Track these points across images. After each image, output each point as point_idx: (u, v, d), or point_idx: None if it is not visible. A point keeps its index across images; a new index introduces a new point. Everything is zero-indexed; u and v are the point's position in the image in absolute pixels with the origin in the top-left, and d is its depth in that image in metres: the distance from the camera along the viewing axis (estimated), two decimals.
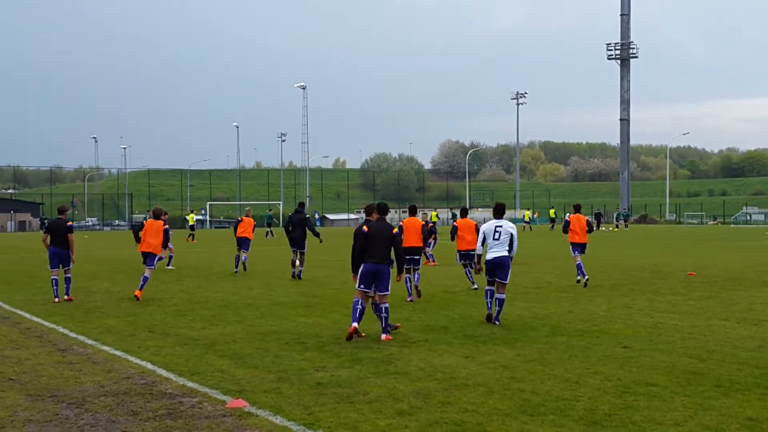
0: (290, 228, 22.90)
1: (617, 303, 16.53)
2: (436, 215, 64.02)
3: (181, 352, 11.40)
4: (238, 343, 11.99)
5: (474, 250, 17.55)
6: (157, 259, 18.84)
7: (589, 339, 12.10)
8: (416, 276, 17.80)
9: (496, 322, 13.64)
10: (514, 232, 13.92)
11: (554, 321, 14.00)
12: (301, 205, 23.87)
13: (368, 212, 13.12)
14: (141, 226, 20.57)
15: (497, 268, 13.73)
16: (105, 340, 12.53)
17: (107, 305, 17.04)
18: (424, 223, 18.48)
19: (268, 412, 7.96)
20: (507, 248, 13.79)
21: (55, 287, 17.81)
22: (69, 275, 18.05)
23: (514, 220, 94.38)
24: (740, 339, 12.02)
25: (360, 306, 12.25)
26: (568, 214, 21.08)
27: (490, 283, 13.97)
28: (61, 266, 17.81)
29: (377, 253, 12.38)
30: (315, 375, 9.70)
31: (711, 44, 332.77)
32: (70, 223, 17.94)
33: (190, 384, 9.32)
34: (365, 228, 12.51)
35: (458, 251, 19.70)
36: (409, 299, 17.24)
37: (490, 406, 8.12)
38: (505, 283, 13.84)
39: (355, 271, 12.61)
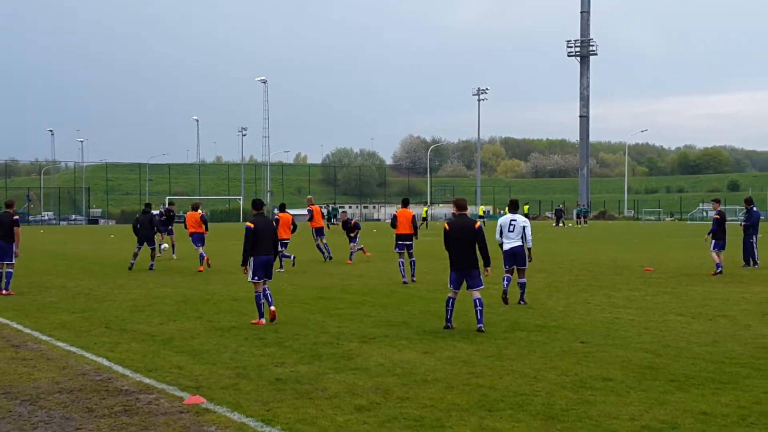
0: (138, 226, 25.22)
1: (576, 298, 16.68)
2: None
3: (137, 348, 11.27)
4: (196, 339, 11.89)
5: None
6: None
7: (548, 334, 12.19)
8: (412, 261, 20.52)
9: (522, 302, 15.72)
10: (527, 226, 15.68)
11: (513, 316, 14.08)
12: (148, 205, 26.65)
13: (254, 206, 14.07)
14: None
15: (515, 257, 15.61)
16: (60, 335, 12.35)
17: (63, 301, 16.80)
18: (413, 214, 20.94)
19: (225, 409, 7.90)
20: (521, 239, 15.55)
21: None
22: (11, 270, 17.90)
23: (474, 216, 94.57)
24: (695, 334, 12.19)
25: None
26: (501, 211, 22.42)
27: (509, 271, 15.75)
28: (4, 260, 17.72)
29: (264, 247, 13.38)
30: (274, 371, 9.65)
31: (667, 41, 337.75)
32: (16, 217, 17.83)
33: (146, 380, 9.22)
34: (250, 224, 13.34)
35: (396, 234, 20.91)
36: (404, 281, 19.86)
37: (449, 401, 8.14)
38: (524, 269, 15.81)
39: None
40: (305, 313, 14.60)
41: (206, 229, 25.47)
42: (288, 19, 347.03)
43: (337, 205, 78.94)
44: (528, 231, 15.58)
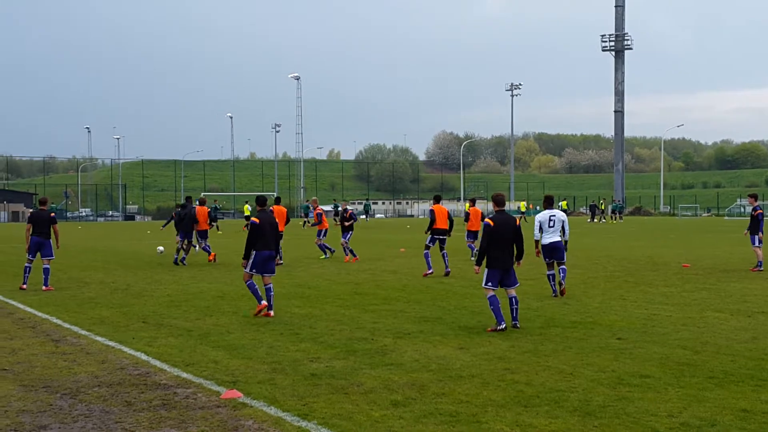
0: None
1: (612, 295, 16.55)
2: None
3: (174, 342, 11.38)
4: (232, 334, 11.98)
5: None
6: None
7: (584, 331, 12.11)
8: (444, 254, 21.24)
9: (562, 283, 16.24)
10: (565, 220, 16.36)
11: (548, 313, 14.01)
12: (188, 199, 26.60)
13: (258, 202, 14.51)
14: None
15: (555, 251, 16.15)
16: (99, 330, 12.51)
17: (101, 296, 17.00)
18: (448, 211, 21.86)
19: (262, 403, 7.96)
20: (560, 233, 16.15)
21: (26, 274, 18.27)
22: (48, 266, 18.20)
23: (509, 212, 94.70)
24: (734, 330, 12.05)
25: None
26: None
27: (550, 266, 16.34)
28: (39, 255, 18.10)
29: (266, 242, 13.83)
30: (309, 366, 9.69)
31: (700, 35, 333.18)
32: (52, 214, 18.48)
33: (184, 375, 9.31)
34: (255, 219, 13.86)
35: (434, 228, 21.46)
36: (430, 272, 20.60)
37: (485, 397, 8.13)
38: (564, 261, 16.38)
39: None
40: (340, 309, 14.65)
41: (210, 225, 26.42)
42: (321, 16, 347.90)
43: (369, 201, 79.01)
44: (566, 225, 16.36)
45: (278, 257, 23.20)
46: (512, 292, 12.40)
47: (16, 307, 15.34)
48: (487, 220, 12.40)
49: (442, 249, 21.16)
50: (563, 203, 79.00)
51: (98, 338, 11.83)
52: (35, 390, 8.65)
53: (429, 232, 21.12)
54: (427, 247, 21.02)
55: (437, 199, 22.14)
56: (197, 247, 26.70)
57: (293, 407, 7.78)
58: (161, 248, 28.99)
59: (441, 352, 10.53)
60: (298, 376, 9.12)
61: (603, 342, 11.13)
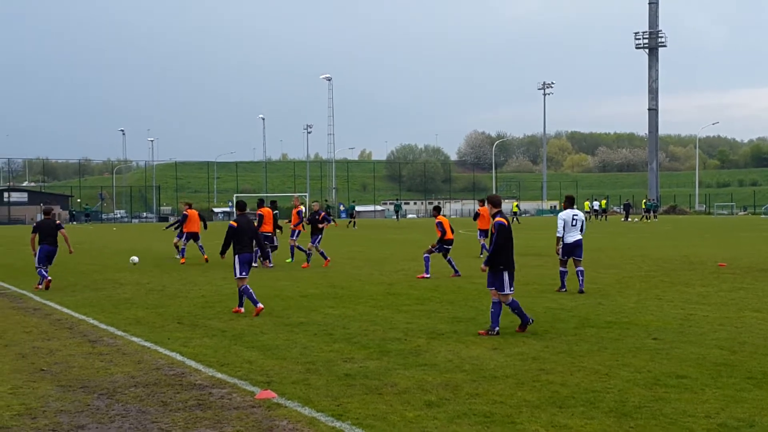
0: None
1: (647, 295, 16.40)
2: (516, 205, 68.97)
3: (209, 343, 11.46)
4: (266, 335, 12.03)
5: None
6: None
7: (619, 331, 12.01)
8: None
9: (582, 287, 16.76)
10: (584, 220, 17.15)
11: (583, 313, 13.91)
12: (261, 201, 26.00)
13: (237, 207, 15.16)
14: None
15: (575, 249, 16.87)
16: (134, 331, 12.63)
17: (136, 297, 17.17)
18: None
19: (296, 403, 7.98)
20: (580, 232, 16.95)
21: (45, 277, 18.57)
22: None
23: (541, 212, 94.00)
24: None
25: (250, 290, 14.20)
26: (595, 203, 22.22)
27: (564, 263, 17.01)
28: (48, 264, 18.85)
29: (245, 245, 14.34)
30: (343, 366, 9.71)
31: (735, 31, 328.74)
32: (58, 221, 19.41)
33: (219, 375, 9.37)
34: (233, 222, 14.49)
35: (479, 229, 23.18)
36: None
37: (519, 397, 8.09)
38: (581, 260, 16.98)
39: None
40: (373, 309, 14.66)
41: (205, 227, 27.08)
42: (351, 17, 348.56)
43: (400, 201, 78.68)
44: (584, 225, 17.16)
45: (267, 260, 23.40)
46: (510, 297, 11.98)
47: (54, 308, 15.54)
48: (501, 219, 11.93)
49: (446, 256, 21.09)
50: (603, 202, 78.40)
51: (134, 339, 11.95)
52: (73, 390, 8.75)
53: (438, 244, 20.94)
54: (430, 252, 20.79)
55: (439, 210, 22.12)
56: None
57: (327, 407, 7.80)
58: (135, 258, 25.74)
59: (474, 352, 10.50)
60: (332, 377, 9.14)
61: (639, 342, 11.03)
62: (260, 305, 14.01)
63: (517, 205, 78.01)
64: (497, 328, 11.74)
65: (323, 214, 24.64)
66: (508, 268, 11.84)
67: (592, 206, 78.72)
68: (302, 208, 26.86)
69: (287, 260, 25.85)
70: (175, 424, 7.40)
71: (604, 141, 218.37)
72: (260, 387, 8.68)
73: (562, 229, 16.82)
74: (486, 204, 26.61)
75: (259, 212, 24.05)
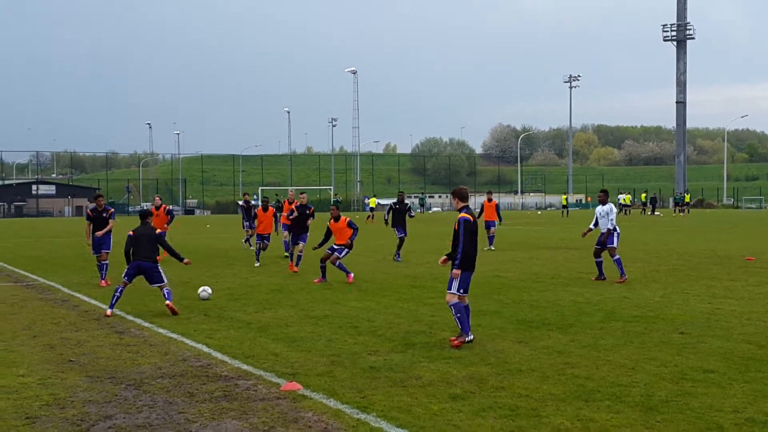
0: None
1: (674, 289, 16.28)
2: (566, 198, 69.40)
3: (235, 335, 11.52)
4: (291, 327, 12.08)
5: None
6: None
7: (645, 325, 11.93)
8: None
9: (623, 278, 17.49)
10: (615, 213, 18.00)
11: (609, 307, 13.83)
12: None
13: (140, 216, 14.57)
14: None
15: (608, 238, 17.69)
16: (161, 323, 12.73)
17: None
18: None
19: (321, 395, 8.01)
20: (611, 224, 17.82)
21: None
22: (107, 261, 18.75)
23: (568, 205, 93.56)
24: None
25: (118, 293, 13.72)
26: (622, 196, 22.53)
27: (599, 253, 17.91)
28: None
29: (142, 253, 13.71)
30: (368, 359, 9.73)
31: (763, 23, 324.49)
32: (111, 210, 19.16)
33: (244, 367, 9.42)
34: (131, 232, 13.99)
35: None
36: None
37: (545, 391, 8.06)
38: (615, 247, 17.86)
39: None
40: (398, 302, 14.67)
41: (168, 224, 24.05)
42: (376, 10, 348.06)
43: (425, 195, 77.51)
44: (611, 217, 17.88)
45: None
46: (466, 300, 10.75)
47: (81, 300, 15.69)
48: (466, 215, 10.64)
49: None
50: (642, 195, 77.88)
51: (161, 330, 12.04)
52: (101, 381, 8.84)
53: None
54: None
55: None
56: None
57: (352, 400, 7.82)
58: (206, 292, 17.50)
59: (500, 345, 10.48)
60: (357, 369, 9.16)
61: (665, 336, 10.95)
62: (109, 310, 13.54)
63: (566, 198, 77.53)
64: (468, 335, 10.52)
65: (312, 208, 21.87)
66: (465, 268, 10.55)
67: (618, 200, 78.19)
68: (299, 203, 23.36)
69: (284, 255, 24.22)
70: (201, 414, 7.46)
71: (630, 134, 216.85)
72: (285, 379, 8.72)
73: (594, 223, 18.10)
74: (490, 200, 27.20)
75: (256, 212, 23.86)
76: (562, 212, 72.12)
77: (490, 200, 28.00)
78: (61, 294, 16.76)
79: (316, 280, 18.12)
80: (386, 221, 25.00)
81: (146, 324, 12.64)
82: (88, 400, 8.03)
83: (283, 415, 7.39)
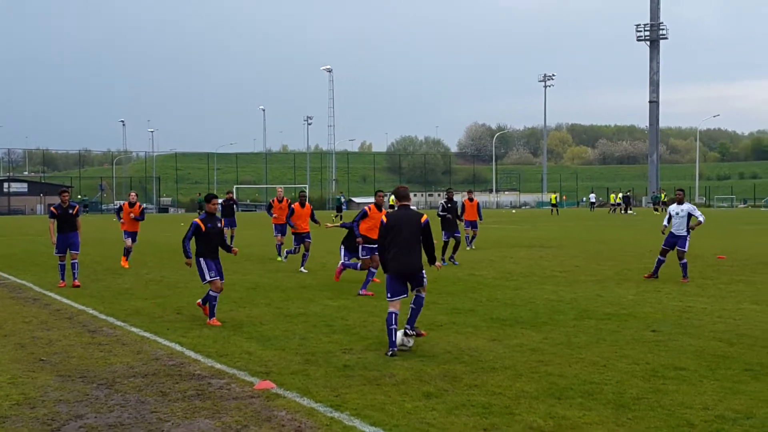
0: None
1: (646, 287, 16.41)
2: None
3: (208, 333, 11.47)
4: (265, 326, 12.04)
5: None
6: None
7: (618, 323, 12.02)
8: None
9: (685, 279, 17.43)
10: (692, 211, 17.94)
11: (582, 305, 13.93)
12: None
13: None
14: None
15: (679, 239, 17.79)
16: (134, 321, 12.64)
17: (136, 287, 17.18)
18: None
19: (295, 394, 7.99)
20: (686, 224, 17.90)
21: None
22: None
23: (542, 204, 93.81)
24: None
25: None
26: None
27: (665, 252, 17.98)
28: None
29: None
30: (342, 357, 9.72)
31: (735, 23, 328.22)
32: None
33: (218, 365, 9.38)
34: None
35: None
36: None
37: (518, 388, 8.10)
38: (685, 251, 17.82)
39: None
40: (372, 300, 14.67)
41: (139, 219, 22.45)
42: (352, 7, 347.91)
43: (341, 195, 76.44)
44: (696, 213, 18.04)
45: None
46: (421, 292, 10.35)
47: (53, 299, 15.55)
48: (382, 216, 10.42)
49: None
50: (662, 195, 78.11)
51: (133, 329, 11.96)
52: (72, 380, 8.77)
53: None
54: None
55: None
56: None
57: (326, 398, 7.81)
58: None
59: (473, 343, 10.51)
60: (331, 368, 9.16)
61: (637, 334, 11.04)
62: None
63: (555, 197, 77.47)
64: (394, 349, 9.88)
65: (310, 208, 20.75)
66: (387, 270, 10.16)
67: (590, 198, 78.76)
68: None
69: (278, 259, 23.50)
70: (174, 413, 7.42)
71: (604, 133, 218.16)
72: (259, 377, 8.69)
73: (667, 221, 18.35)
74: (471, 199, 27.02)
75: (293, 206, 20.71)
76: (552, 210, 72.30)
77: (471, 200, 27.21)
78: (32, 293, 16.60)
79: (362, 292, 15.68)
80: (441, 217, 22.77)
81: (119, 323, 12.55)
82: (59, 399, 7.96)
83: (257, 413, 7.37)
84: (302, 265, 20.41)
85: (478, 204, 26.67)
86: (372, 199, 16.80)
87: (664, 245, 18.07)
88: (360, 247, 16.22)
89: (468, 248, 26.71)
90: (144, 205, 23.87)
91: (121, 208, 22.70)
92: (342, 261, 17.11)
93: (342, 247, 17.22)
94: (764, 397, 7.67)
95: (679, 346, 10.21)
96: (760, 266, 20.43)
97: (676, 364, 9.11)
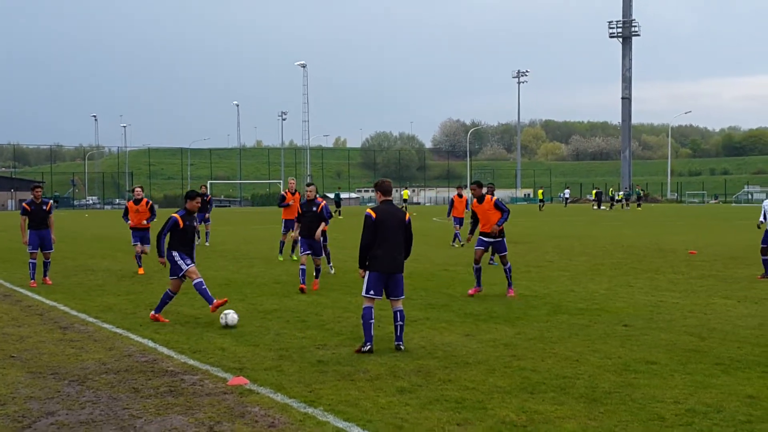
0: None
1: (618, 282, 16.53)
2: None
3: (181, 330, 11.41)
4: (238, 321, 11.99)
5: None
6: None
7: (590, 317, 12.11)
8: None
9: None
10: None
11: (555, 299, 14.01)
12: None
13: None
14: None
15: None
16: (106, 317, 12.55)
17: (108, 283, 17.05)
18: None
19: (269, 390, 7.98)
20: None
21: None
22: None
23: (515, 200, 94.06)
24: (741, 317, 12.03)
25: None
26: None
27: (765, 251, 16.99)
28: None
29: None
30: (316, 353, 9.71)
31: (707, 21, 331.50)
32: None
33: (191, 362, 9.34)
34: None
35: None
36: None
37: (491, 383, 8.13)
38: None
39: None
40: (346, 296, 14.67)
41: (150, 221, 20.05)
42: (326, 3, 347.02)
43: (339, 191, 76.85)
44: None
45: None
46: (398, 304, 9.95)
47: (24, 295, 15.39)
48: (368, 210, 10.01)
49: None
50: (539, 192, 78.46)
51: (106, 325, 11.87)
52: (43, 377, 8.69)
53: None
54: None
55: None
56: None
57: (299, 394, 7.80)
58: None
59: (447, 338, 10.54)
60: (305, 363, 9.14)
61: (609, 329, 11.13)
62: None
63: (542, 193, 77.42)
64: (369, 345, 9.74)
65: (323, 203, 16.38)
66: (370, 268, 9.90)
67: (564, 195, 79.26)
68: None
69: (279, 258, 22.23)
70: (146, 410, 7.37)
71: (577, 129, 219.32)
72: (232, 373, 8.66)
73: (763, 217, 17.53)
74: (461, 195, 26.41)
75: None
76: (539, 206, 72.47)
77: (460, 195, 26.46)
78: (2, 289, 16.43)
79: (470, 291, 14.70)
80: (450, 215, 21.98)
81: (91, 319, 12.45)
82: (30, 396, 7.89)
83: (230, 410, 7.34)
84: (329, 264, 18.67)
85: (467, 200, 26.08)
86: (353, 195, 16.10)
87: (762, 243, 17.05)
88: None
89: (460, 245, 25.87)
90: (150, 201, 20.17)
91: (127, 210, 19.89)
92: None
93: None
94: (734, 390, 7.76)
95: (650, 340, 10.30)
96: (731, 261, 20.66)
97: (648, 359, 9.19)
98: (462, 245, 25.61)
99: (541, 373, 8.53)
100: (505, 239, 14.75)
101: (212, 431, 6.76)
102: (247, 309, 13.23)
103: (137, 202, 19.74)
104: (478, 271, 14.65)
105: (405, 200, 72.54)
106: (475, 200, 14.76)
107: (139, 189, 20.38)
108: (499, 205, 14.55)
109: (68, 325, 12.00)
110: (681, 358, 9.24)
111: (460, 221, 26.45)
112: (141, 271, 19.18)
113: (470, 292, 14.63)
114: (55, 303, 14.20)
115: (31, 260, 16.91)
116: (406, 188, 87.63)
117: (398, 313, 9.91)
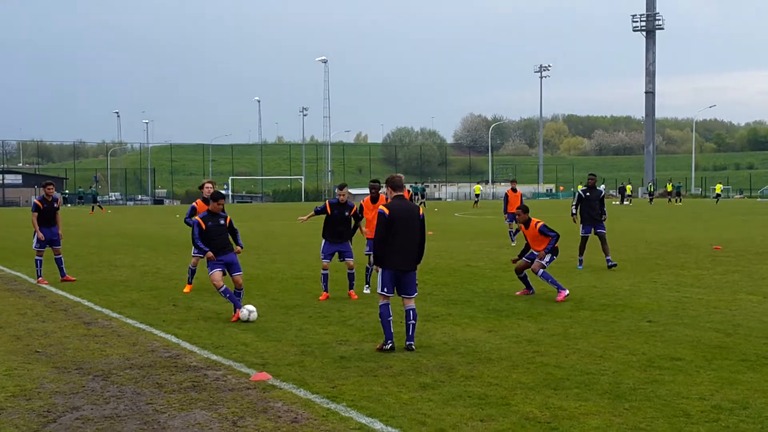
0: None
1: (642, 278, 16.41)
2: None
3: (204, 325, 11.45)
4: (261, 317, 12.01)
5: None
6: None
7: (614, 313, 12.02)
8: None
9: None
10: None
11: (578, 295, 13.92)
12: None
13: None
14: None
15: None
16: (129, 313, 12.62)
17: (131, 279, 17.14)
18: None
19: (291, 385, 7.99)
20: None
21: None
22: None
23: (537, 195, 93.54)
24: (767, 313, 11.90)
25: None
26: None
27: None
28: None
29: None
30: (338, 349, 9.71)
31: (732, 14, 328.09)
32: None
33: (214, 357, 9.37)
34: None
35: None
36: None
37: (514, 379, 8.10)
38: None
39: None
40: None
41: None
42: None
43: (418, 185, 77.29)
44: None
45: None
46: (410, 303, 9.76)
47: (48, 291, 15.51)
48: (382, 207, 9.80)
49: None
50: (718, 187, 78.03)
51: (129, 321, 11.94)
52: (68, 372, 8.75)
53: None
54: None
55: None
56: None
57: (322, 389, 7.81)
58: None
59: (470, 334, 10.51)
60: (327, 359, 9.15)
61: (633, 325, 11.05)
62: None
63: (626, 187, 76.27)
64: (391, 342, 9.63)
65: (355, 207, 14.55)
66: (383, 266, 9.72)
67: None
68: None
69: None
70: (170, 405, 7.40)
71: (600, 124, 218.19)
72: (255, 369, 8.68)
73: None
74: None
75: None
76: (622, 201, 71.88)
77: (514, 190, 25.39)
78: (27, 284, 16.56)
79: (517, 293, 14.23)
80: (573, 215, 19.68)
81: (114, 315, 12.53)
82: (55, 391, 7.95)
83: (253, 405, 7.36)
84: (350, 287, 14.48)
85: (522, 195, 25.26)
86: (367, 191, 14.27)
87: None
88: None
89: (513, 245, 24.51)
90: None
91: (194, 210, 14.97)
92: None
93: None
94: (760, 387, 7.68)
95: (675, 336, 10.21)
96: (757, 257, 20.45)
97: (673, 355, 9.11)
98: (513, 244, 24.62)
99: (565, 369, 8.48)
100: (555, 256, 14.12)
101: (235, 426, 6.78)
102: (269, 305, 13.26)
103: (208, 201, 13.57)
104: (523, 279, 14.14)
105: (477, 195, 72.56)
106: (521, 225, 14.18)
107: (209, 184, 15.07)
108: (544, 231, 13.81)
109: (92, 320, 12.08)
110: (706, 354, 9.15)
111: (513, 217, 25.32)
112: (187, 289, 15.24)
113: (518, 293, 14.19)
114: (79, 299, 14.30)
115: (37, 257, 16.85)
116: (478, 183, 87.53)
117: (411, 311, 9.71)
